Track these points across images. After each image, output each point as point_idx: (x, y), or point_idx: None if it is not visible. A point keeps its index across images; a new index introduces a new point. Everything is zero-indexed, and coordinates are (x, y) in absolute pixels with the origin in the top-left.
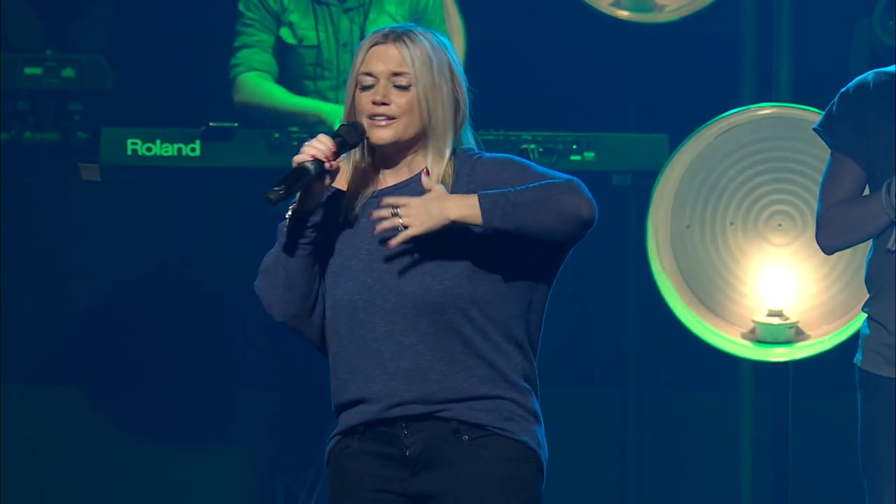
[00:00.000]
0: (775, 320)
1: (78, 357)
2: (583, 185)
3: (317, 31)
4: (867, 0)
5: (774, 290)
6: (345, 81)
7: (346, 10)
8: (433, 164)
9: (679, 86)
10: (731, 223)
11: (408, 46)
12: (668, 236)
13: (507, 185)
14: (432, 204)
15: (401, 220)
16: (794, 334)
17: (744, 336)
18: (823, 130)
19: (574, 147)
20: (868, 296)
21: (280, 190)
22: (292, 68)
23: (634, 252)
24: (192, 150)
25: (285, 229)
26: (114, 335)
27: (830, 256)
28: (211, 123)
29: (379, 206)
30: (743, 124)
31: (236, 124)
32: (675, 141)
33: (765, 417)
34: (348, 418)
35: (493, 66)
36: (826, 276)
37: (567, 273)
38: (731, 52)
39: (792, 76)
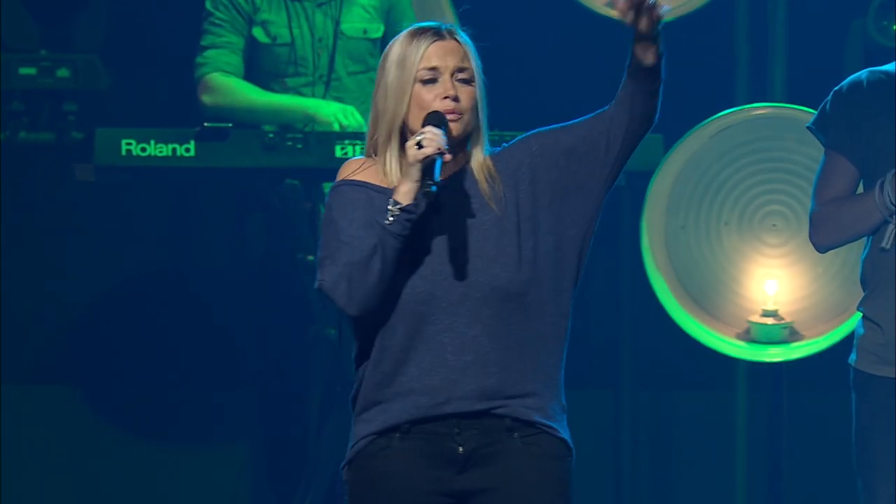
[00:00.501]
0: (770, 321)
1: (72, 357)
2: None
3: (290, 28)
4: (862, 0)
5: (769, 290)
6: (321, 77)
7: (320, 5)
8: (478, 154)
9: (673, 86)
10: (726, 223)
11: (466, 42)
12: (662, 236)
13: (538, 154)
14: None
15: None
16: (789, 335)
17: (738, 336)
18: (817, 128)
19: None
20: (863, 295)
21: (431, 184)
22: (266, 67)
23: (629, 252)
24: (187, 150)
25: (390, 223)
26: (107, 336)
27: (825, 256)
28: (205, 124)
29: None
30: (737, 124)
31: (231, 125)
32: (670, 141)
33: (759, 418)
34: (386, 417)
35: (487, 66)
36: (820, 276)
37: None
38: (726, 52)
39: (786, 76)
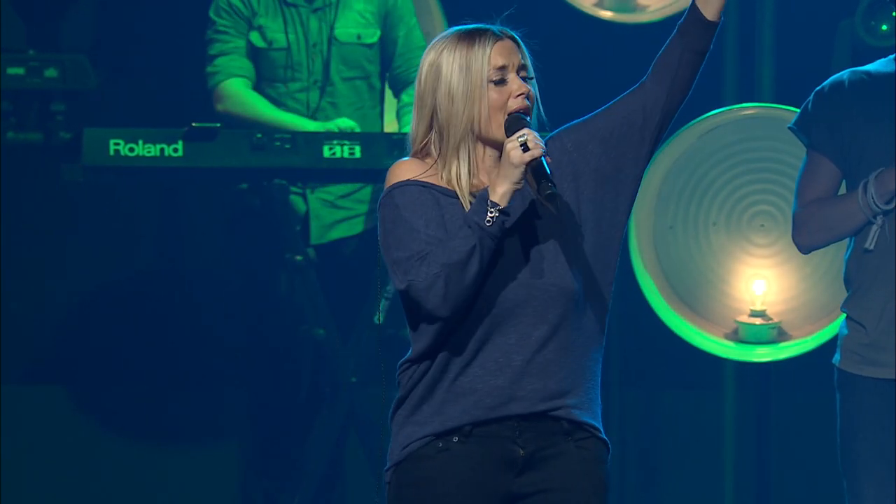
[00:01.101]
0: (758, 321)
1: (61, 357)
2: None
3: (286, 33)
4: (850, 0)
5: (757, 290)
6: (315, 82)
7: (315, 10)
8: None
9: None
10: (714, 223)
11: (521, 41)
12: (650, 236)
13: (573, 149)
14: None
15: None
16: (777, 335)
17: (726, 336)
18: (798, 129)
19: None
20: (846, 295)
21: (551, 185)
22: (263, 72)
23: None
24: (175, 150)
25: (489, 224)
26: (95, 335)
27: (812, 256)
28: (193, 124)
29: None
30: (726, 124)
31: (219, 125)
32: None
33: (747, 417)
34: (444, 419)
35: None
36: (808, 276)
37: None
38: (714, 52)
39: (774, 76)
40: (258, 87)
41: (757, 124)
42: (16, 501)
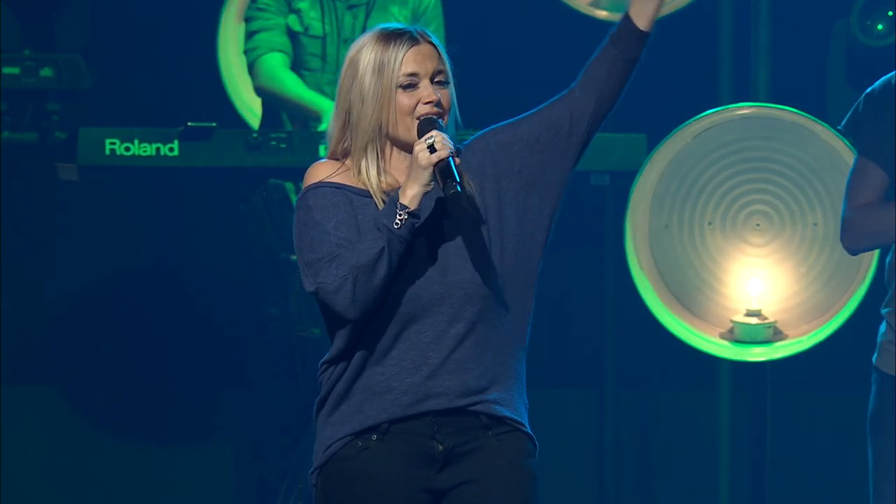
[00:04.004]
0: (753, 320)
1: (58, 357)
2: None
3: (323, 23)
4: (845, 0)
5: (752, 290)
6: None
7: (350, 7)
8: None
9: (657, 86)
10: (710, 223)
11: (439, 46)
12: (646, 236)
13: (498, 149)
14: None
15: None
16: (773, 334)
17: (722, 336)
18: (847, 132)
19: None
20: (887, 295)
21: (455, 184)
22: (294, 56)
23: (612, 252)
24: (171, 149)
25: (398, 226)
26: (91, 335)
27: (808, 256)
28: (189, 123)
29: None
30: (721, 124)
31: (214, 124)
32: (654, 141)
33: (743, 417)
34: (362, 418)
35: (471, 66)
36: (804, 276)
37: (545, 273)
38: (710, 52)
39: (770, 76)
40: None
41: (752, 124)
42: (14, 501)
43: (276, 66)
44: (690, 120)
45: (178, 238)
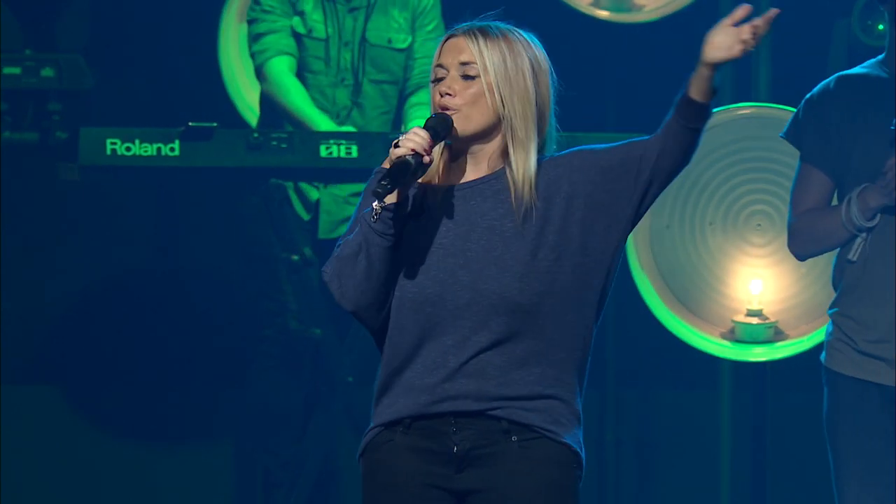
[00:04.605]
0: (754, 320)
1: (59, 357)
2: None
3: (325, 25)
4: (846, 0)
5: (753, 289)
6: (343, 80)
7: (351, 10)
8: (517, 159)
9: (658, 86)
10: (711, 223)
11: (478, 38)
12: (647, 236)
13: (577, 169)
14: None
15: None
16: (773, 334)
17: (723, 336)
18: (789, 138)
19: (553, 147)
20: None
21: (387, 185)
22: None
23: None
24: (172, 149)
25: (373, 220)
26: (92, 335)
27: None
28: (190, 123)
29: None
30: (722, 124)
31: (215, 124)
32: None
33: (743, 417)
34: (392, 411)
35: None
36: (805, 276)
37: None
38: None
39: (771, 76)
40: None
41: (753, 124)
42: (15, 501)
43: (283, 71)
44: None
45: (178, 238)
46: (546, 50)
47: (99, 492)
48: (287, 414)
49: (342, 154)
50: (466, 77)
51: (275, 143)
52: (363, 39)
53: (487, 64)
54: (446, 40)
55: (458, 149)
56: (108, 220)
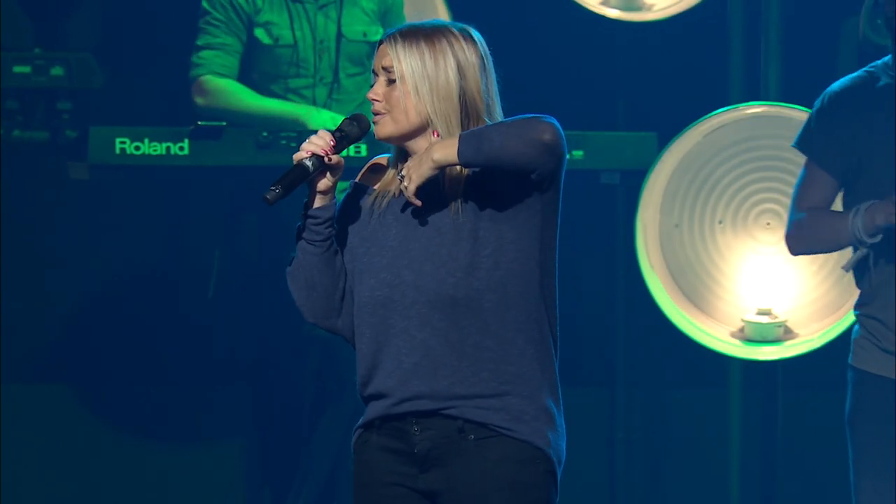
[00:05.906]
0: (764, 319)
1: (64, 356)
2: (553, 119)
3: (292, 29)
4: None
5: (763, 288)
6: (321, 79)
7: (321, 7)
8: None
9: (668, 84)
10: (720, 222)
11: (396, 42)
12: (656, 235)
13: None
14: (422, 155)
15: (404, 182)
16: (783, 333)
17: (733, 335)
18: (801, 148)
19: None
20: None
21: (276, 189)
22: (267, 68)
23: (623, 251)
24: (181, 148)
25: (301, 228)
26: (98, 334)
27: (819, 255)
28: (199, 122)
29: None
30: (731, 123)
31: (224, 123)
32: (664, 139)
33: (753, 416)
34: (367, 413)
35: None
36: (815, 274)
37: (556, 270)
38: (720, 50)
39: (780, 75)
40: (262, 85)
41: (763, 123)
42: (16, 501)
43: (221, 82)
44: (701, 119)
45: (187, 237)
46: (555, 48)
47: (100, 491)
48: (295, 414)
49: (351, 153)
50: (391, 81)
51: (284, 142)
52: (339, 35)
53: (405, 67)
54: (378, 46)
55: (401, 152)
56: (117, 219)
